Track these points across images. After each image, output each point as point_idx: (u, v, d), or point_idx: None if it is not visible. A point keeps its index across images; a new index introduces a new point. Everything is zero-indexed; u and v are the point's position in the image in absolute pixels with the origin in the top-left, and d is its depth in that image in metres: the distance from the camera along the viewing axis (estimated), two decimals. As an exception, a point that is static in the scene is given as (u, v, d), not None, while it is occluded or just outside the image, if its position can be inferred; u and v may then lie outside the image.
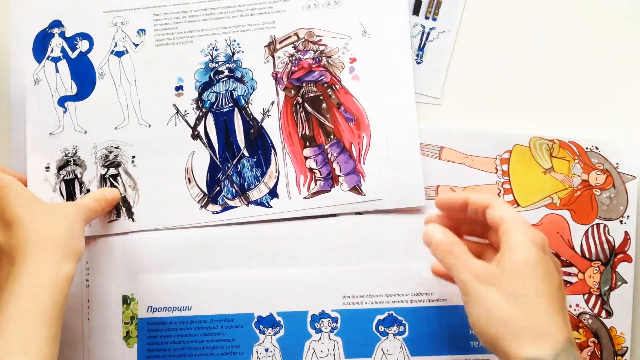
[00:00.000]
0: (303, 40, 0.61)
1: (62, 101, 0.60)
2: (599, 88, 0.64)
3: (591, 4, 0.65)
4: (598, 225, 0.61)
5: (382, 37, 0.63)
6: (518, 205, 0.62)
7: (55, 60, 0.60)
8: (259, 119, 0.61)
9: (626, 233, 0.61)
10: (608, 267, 0.61)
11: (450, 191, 0.61)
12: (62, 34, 0.59)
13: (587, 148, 0.62)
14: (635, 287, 0.61)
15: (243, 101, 0.61)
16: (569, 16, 0.65)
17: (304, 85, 0.61)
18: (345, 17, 0.63)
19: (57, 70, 0.60)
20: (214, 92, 0.61)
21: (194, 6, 0.61)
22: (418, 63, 0.64)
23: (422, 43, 0.64)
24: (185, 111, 0.61)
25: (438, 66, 0.64)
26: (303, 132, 0.61)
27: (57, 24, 0.60)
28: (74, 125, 0.60)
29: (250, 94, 0.61)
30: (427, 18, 0.65)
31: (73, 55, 0.60)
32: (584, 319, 0.61)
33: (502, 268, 0.46)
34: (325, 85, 0.62)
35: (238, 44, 0.61)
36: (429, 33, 0.64)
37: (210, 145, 0.61)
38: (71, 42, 0.60)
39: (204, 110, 0.61)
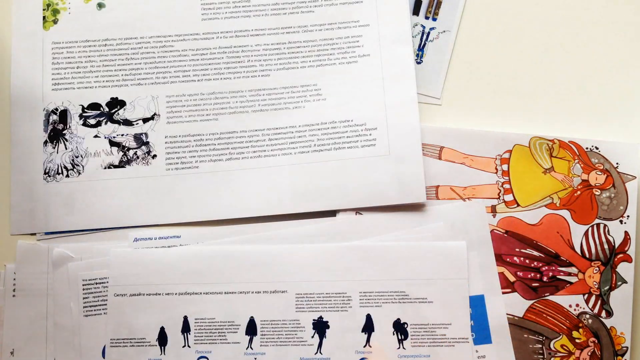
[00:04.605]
0: None
1: None
2: (600, 88, 0.64)
3: (591, 4, 0.65)
4: (598, 225, 0.61)
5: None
6: (518, 205, 0.62)
7: None
8: None
9: (626, 233, 0.61)
10: (608, 267, 0.61)
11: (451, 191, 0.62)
12: None
13: (587, 148, 0.62)
14: (635, 287, 0.61)
15: None
16: (569, 16, 0.65)
17: None
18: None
19: None
20: None
21: None
22: (418, 63, 0.64)
23: (422, 43, 0.64)
24: None
25: (438, 66, 0.64)
26: None
27: None
28: None
29: None
30: (427, 18, 0.65)
31: None
32: (584, 319, 0.61)
33: None
34: None
35: None
36: (429, 33, 0.65)
37: None
38: None
39: None
